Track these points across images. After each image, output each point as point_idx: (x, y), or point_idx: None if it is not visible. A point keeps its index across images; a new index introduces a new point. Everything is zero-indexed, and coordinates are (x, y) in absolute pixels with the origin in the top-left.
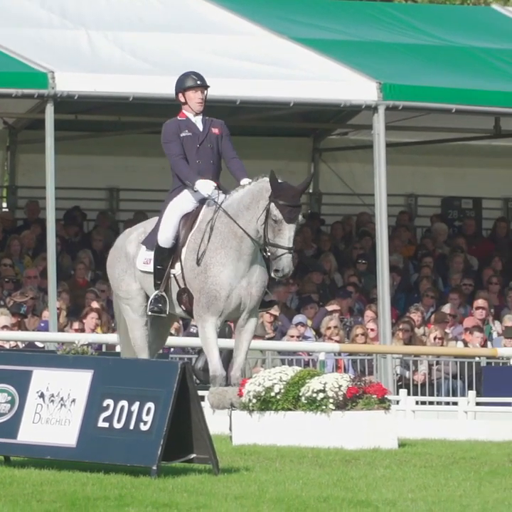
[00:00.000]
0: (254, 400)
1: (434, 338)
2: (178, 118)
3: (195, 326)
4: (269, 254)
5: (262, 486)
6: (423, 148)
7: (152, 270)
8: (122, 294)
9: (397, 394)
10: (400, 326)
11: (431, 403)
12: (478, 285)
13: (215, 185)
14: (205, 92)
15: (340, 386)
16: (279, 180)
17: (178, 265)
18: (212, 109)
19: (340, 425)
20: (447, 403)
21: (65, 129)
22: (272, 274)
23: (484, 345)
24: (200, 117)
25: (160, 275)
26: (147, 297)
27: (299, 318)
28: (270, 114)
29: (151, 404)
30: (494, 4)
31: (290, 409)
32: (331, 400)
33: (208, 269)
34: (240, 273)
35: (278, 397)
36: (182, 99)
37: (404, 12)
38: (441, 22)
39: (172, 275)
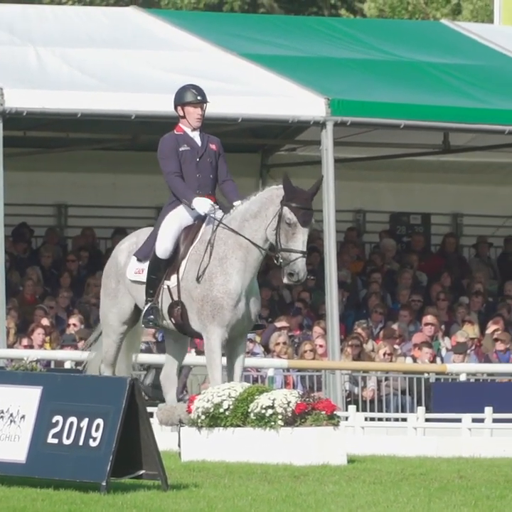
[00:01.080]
0: (203, 417)
1: (383, 354)
2: (176, 132)
3: (146, 342)
4: (281, 261)
5: (211, 502)
6: (371, 163)
7: (143, 280)
8: (115, 308)
9: (346, 410)
10: (349, 342)
11: (380, 419)
12: (426, 301)
13: (213, 202)
14: (205, 107)
15: (289, 402)
16: (292, 183)
17: (174, 277)
18: (158, 124)
19: (289, 441)
20: (396, 419)
21: (14, 145)
22: (285, 280)
23: (433, 361)
24: (197, 132)
25: (153, 285)
26: (134, 319)
27: (247, 334)
28: (218, 130)
29: (100, 421)
30: (443, 19)
31: (239, 426)
32: (280, 416)
33: (214, 277)
34: (246, 284)
35: (227, 413)
36: (180, 113)
37: (353, 27)
38: (389, 37)
39: (166, 287)
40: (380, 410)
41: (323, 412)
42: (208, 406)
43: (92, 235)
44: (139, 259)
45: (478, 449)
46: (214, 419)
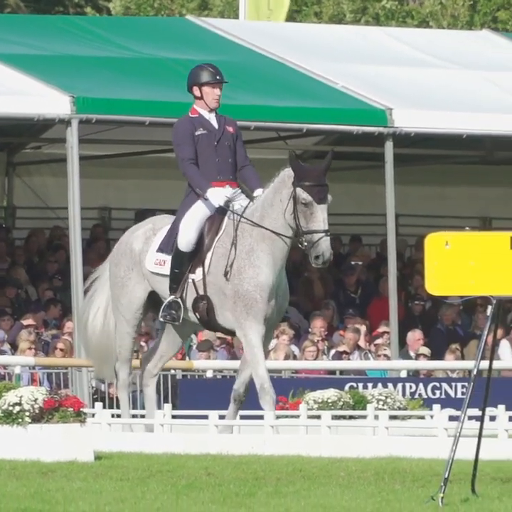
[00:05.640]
0: None
1: None
2: (191, 115)
3: None
4: (305, 244)
5: None
6: (117, 161)
7: (165, 273)
8: (125, 299)
9: (93, 407)
10: None
11: None
12: None
13: (235, 188)
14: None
15: (36, 399)
16: (300, 162)
17: (199, 271)
18: None
19: (36, 438)
20: (143, 416)
21: None
22: (313, 263)
23: (182, 358)
24: (213, 114)
25: (177, 279)
26: (146, 307)
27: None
28: None
29: None
30: (189, 15)
31: None
32: (27, 413)
33: (243, 271)
34: (273, 278)
35: None
36: (197, 94)
37: (98, 25)
38: (134, 34)
39: (190, 280)
40: None
41: (71, 409)
42: None
43: None
44: (160, 250)
45: (226, 446)
46: None
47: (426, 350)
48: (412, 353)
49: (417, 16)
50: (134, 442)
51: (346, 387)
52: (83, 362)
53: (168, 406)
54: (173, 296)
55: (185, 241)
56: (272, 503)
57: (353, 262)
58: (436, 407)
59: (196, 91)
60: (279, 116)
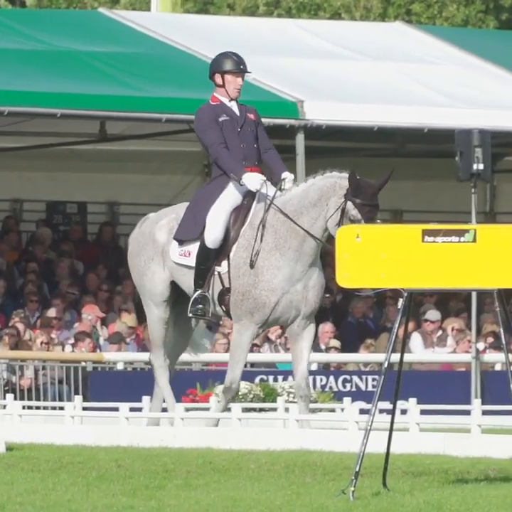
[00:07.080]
0: None
1: (41, 343)
2: (212, 102)
3: None
4: None
5: None
6: (29, 153)
7: (190, 264)
8: (148, 284)
9: (4, 398)
10: (6, 331)
11: (38, 408)
12: (84, 290)
13: (264, 178)
14: (244, 77)
15: None
16: (357, 177)
17: (224, 263)
18: None
19: None
20: (54, 408)
21: None
22: None
23: (93, 351)
24: (234, 102)
25: (202, 275)
26: (173, 292)
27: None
28: None
29: None
30: (101, 8)
31: None
32: None
33: (260, 273)
34: (295, 276)
35: None
36: (218, 81)
37: (10, 17)
38: (47, 26)
39: (217, 273)
40: (38, 399)
41: None
42: None
43: None
44: (181, 243)
45: (136, 438)
46: None
47: (336, 343)
48: (322, 346)
49: (329, 8)
50: (46, 434)
51: (256, 380)
52: None
53: (78, 398)
54: (200, 291)
55: (212, 238)
56: (182, 495)
57: None
58: (346, 399)
59: (218, 78)
60: (191, 109)
